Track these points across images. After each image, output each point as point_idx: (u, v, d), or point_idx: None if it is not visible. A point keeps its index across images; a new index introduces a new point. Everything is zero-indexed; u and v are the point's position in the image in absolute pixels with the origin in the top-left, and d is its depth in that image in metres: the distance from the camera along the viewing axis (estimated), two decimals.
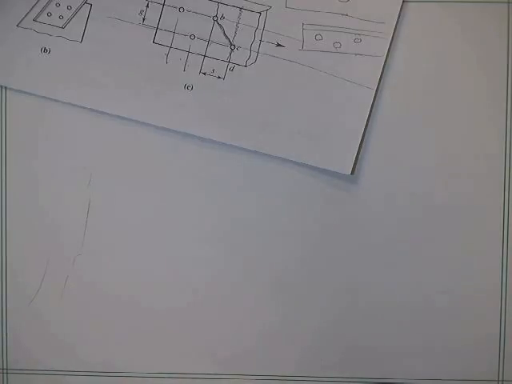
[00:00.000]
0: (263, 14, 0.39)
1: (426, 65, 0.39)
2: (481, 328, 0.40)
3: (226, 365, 0.41)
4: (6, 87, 0.40)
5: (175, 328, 0.41)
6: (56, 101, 0.40)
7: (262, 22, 0.39)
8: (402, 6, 0.38)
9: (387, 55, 0.38)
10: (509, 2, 0.38)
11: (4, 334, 0.41)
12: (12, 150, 0.40)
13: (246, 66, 0.39)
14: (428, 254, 0.40)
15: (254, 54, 0.39)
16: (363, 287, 0.40)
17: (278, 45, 0.39)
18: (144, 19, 0.39)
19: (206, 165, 0.40)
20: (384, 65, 0.38)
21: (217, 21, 0.39)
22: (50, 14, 0.39)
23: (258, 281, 0.40)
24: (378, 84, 0.39)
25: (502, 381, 0.40)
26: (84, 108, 0.40)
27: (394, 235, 0.40)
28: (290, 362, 0.41)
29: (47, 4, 0.39)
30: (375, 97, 0.39)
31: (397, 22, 0.38)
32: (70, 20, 0.39)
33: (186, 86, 0.39)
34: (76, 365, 0.41)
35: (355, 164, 0.39)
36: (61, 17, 0.39)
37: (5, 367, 0.41)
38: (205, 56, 0.39)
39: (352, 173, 0.39)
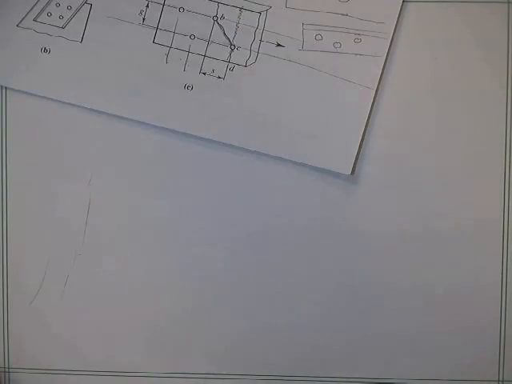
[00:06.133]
0: (263, 14, 0.39)
1: (425, 65, 0.39)
2: (481, 328, 0.40)
3: (225, 365, 0.41)
4: (6, 87, 0.40)
5: (175, 328, 0.41)
6: (56, 101, 0.40)
7: (261, 22, 0.39)
8: (402, 6, 0.38)
9: (387, 55, 0.38)
10: (509, 2, 0.38)
11: (5, 333, 0.41)
12: (12, 150, 0.40)
13: (246, 66, 0.39)
14: (428, 254, 0.40)
15: (253, 54, 0.39)
16: (363, 287, 0.40)
17: (278, 45, 0.39)
18: (144, 19, 0.39)
19: (206, 165, 0.40)
20: (384, 65, 0.38)
21: (217, 21, 0.39)
22: (50, 14, 0.39)
23: (258, 280, 0.40)
24: (378, 84, 0.39)
25: (502, 381, 0.40)
26: (84, 108, 0.40)
27: (393, 235, 0.40)
28: (289, 361, 0.41)
29: (47, 4, 0.39)
30: (375, 97, 0.39)
31: (397, 22, 0.38)
32: (70, 20, 0.39)
33: (186, 86, 0.39)
34: (76, 364, 0.41)
35: (355, 164, 0.39)
36: (61, 17, 0.39)
37: (6, 366, 0.41)
38: (205, 56, 0.39)
39: (352, 173, 0.39)
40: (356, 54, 0.38)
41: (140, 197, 0.40)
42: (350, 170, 0.39)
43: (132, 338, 0.41)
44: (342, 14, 0.38)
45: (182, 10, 0.39)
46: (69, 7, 0.39)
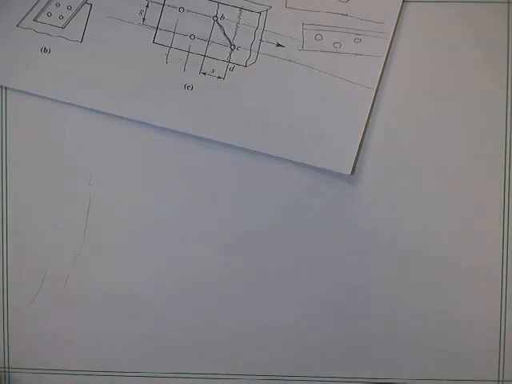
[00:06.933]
0: (263, 14, 0.39)
1: (425, 65, 0.39)
2: (481, 328, 0.40)
3: (225, 365, 0.41)
4: (6, 87, 0.40)
5: (175, 328, 0.41)
6: (56, 101, 0.40)
7: (262, 22, 0.39)
8: (402, 6, 0.38)
9: (387, 55, 0.38)
10: (509, 2, 0.38)
11: (5, 333, 0.41)
12: (12, 150, 0.40)
13: (246, 66, 0.39)
14: (428, 254, 0.40)
15: (253, 54, 0.39)
16: (363, 287, 0.40)
17: (278, 45, 0.39)
18: (144, 19, 0.39)
19: (206, 165, 0.40)
20: (384, 65, 0.38)
21: (217, 21, 0.39)
22: (50, 14, 0.39)
23: (257, 280, 0.40)
24: (378, 84, 0.39)
25: (502, 381, 0.40)
26: (84, 108, 0.40)
27: (393, 235, 0.40)
28: (290, 362, 0.41)
29: (47, 4, 0.39)
30: (375, 97, 0.39)
31: (397, 22, 0.38)
32: (70, 20, 0.39)
33: (186, 86, 0.39)
34: (76, 364, 0.41)
35: (355, 164, 0.39)
36: (61, 17, 0.39)
37: (6, 366, 0.41)
38: (205, 56, 0.39)
39: (352, 173, 0.39)
40: (356, 54, 0.38)
41: (140, 197, 0.40)
42: (350, 170, 0.39)
43: (132, 338, 0.41)
44: (342, 14, 0.38)
45: (182, 10, 0.39)
46: (69, 7, 0.39)
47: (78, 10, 0.39)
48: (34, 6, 0.39)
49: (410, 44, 0.39)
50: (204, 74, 0.39)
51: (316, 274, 0.40)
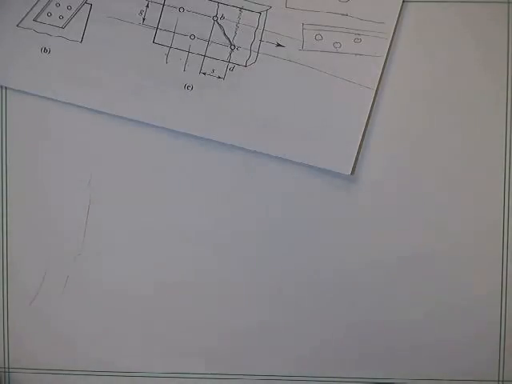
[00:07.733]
0: (263, 14, 0.39)
1: (425, 65, 0.39)
2: (481, 328, 0.40)
3: (225, 365, 0.41)
4: (6, 87, 0.40)
5: (175, 328, 0.41)
6: (56, 101, 0.40)
7: (262, 22, 0.39)
8: (402, 6, 0.38)
9: (387, 55, 0.38)
10: (509, 2, 0.38)
11: (5, 333, 0.41)
12: (12, 150, 0.40)
13: (246, 66, 0.39)
14: (428, 254, 0.40)
15: (253, 54, 0.39)
16: (363, 287, 0.40)
17: (278, 45, 0.39)
18: (144, 19, 0.39)
19: (206, 165, 0.40)
20: (384, 65, 0.38)
21: (217, 21, 0.39)
22: (50, 14, 0.39)
23: (257, 281, 0.40)
24: (378, 84, 0.39)
25: (502, 381, 0.40)
26: (84, 108, 0.40)
27: (393, 234, 0.40)
28: (290, 362, 0.41)
29: (47, 4, 0.39)
30: (375, 97, 0.39)
31: (397, 22, 0.38)
32: (69, 20, 0.39)
33: (186, 86, 0.39)
34: (77, 364, 0.41)
35: (355, 164, 0.39)
36: (61, 17, 0.39)
37: (6, 366, 0.41)
38: (205, 56, 0.39)
39: (352, 173, 0.39)
40: (356, 54, 0.38)
41: (140, 197, 0.40)
42: (350, 170, 0.39)
43: (132, 337, 0.41)
44: (342, 14, 0.38)
45: (182, 9, 0.39)
46: (69, 7, 0.39)
47: (78, 10, 0.39)
48: (34, 6, 0.39)
49: (409, 44, 0.39)
50: (204, 73, 0.39)
51: (316, 274, 0.40)
